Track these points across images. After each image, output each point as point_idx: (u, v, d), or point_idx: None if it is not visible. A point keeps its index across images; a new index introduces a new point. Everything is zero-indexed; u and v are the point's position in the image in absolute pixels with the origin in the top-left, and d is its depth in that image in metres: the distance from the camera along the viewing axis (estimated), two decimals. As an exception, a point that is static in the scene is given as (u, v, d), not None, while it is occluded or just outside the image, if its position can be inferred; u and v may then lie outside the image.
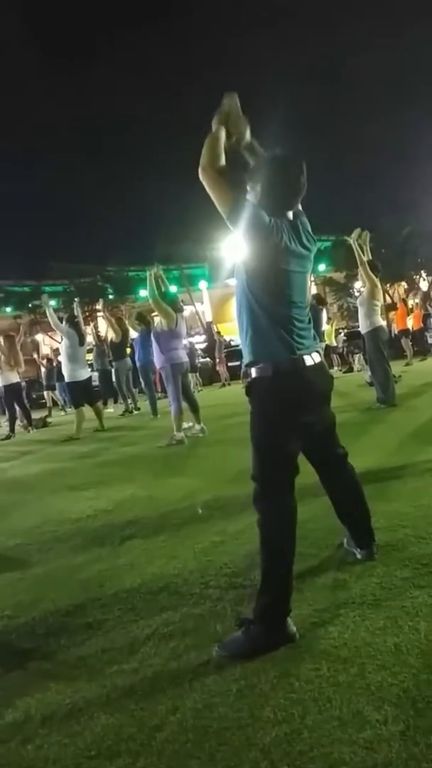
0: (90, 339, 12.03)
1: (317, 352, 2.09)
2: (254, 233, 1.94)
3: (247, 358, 2.05)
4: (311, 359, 2.02)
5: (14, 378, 9.93)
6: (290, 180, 2.04)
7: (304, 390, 2.01)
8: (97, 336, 13.83)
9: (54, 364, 16.98)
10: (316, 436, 2.16)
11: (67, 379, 8.40)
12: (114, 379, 11.44)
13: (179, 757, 1.40)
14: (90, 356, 11.38)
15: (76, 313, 9.00)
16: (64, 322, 8.56)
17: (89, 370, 8.84)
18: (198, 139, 2.08)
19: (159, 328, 6.45)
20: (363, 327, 6.99)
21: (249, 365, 2.03)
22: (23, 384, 10.97)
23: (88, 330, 12.45)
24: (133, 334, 10.90)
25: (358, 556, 2.32)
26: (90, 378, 8.85)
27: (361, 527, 2.34)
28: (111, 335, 11.25)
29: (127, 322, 11.29)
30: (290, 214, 2.09)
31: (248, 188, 2.11)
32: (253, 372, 2.00)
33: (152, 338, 6.70)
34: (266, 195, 2.03)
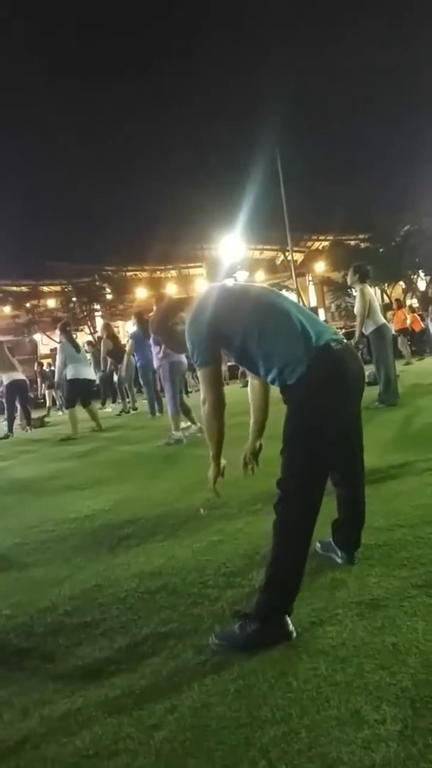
0: (89, 338, 12.08)
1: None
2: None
3: (273, 378, 1.96)
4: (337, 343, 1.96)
5: (16, 376, 9.89)
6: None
7: (340, 377, 1.94)
8: (94, 339, 13.92)
9: (51, 366, 17.06)
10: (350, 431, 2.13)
11: (69, 377, 8.40)
12: (116, 378, 11.48)
13: (177, 756, 1.40)
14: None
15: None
16: (57, 331, 8.68)
17: (92, 370, 8.86)
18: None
19: None
20: (366, 327, 6.98)
21: (283, 382, 1.93)
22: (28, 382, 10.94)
23: (86, 330, 12.60)
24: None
25: (339, 561, 2.31)
26: (93, 379, 8.91)
27: (353, 535, 2.31)
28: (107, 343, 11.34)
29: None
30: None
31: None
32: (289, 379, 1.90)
33: (152, 341, 6.72)
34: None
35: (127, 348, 9.89)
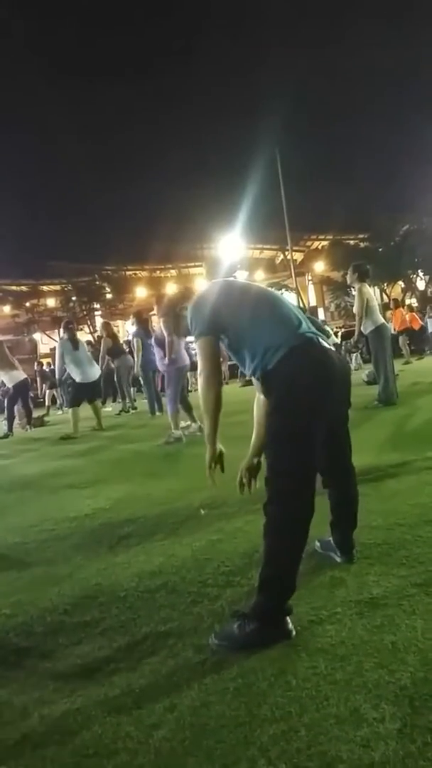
0: (89, 338, 12.07)
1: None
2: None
3: (255, 365, 1.98)
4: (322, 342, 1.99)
5: (20, 375, 9.90)
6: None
7: (323, 367, 1.93)
8: (94, 339, 13.86)
9: (51, 366, 17.06)
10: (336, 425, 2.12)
11: (78, 380, 8.43)
12: (116, 377, 11.48)
13: (177, 755, 1.40)
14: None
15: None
16: (61, 329, 8.70)
17: (97, 368, 8.89)
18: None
19: (161, 332, 6.50)
20: (366, 327, 6.99)
21: (264, 367, 1.95)
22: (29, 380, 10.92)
23: (85, 329, 12.57)
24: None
25: (338, 559, 2.32)
26: (100, 377, 8.97)
27: (347, 536, 2.32)
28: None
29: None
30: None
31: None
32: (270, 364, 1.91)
33: (153, 342, 6.79)
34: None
35: (135, 346, 9.86)
